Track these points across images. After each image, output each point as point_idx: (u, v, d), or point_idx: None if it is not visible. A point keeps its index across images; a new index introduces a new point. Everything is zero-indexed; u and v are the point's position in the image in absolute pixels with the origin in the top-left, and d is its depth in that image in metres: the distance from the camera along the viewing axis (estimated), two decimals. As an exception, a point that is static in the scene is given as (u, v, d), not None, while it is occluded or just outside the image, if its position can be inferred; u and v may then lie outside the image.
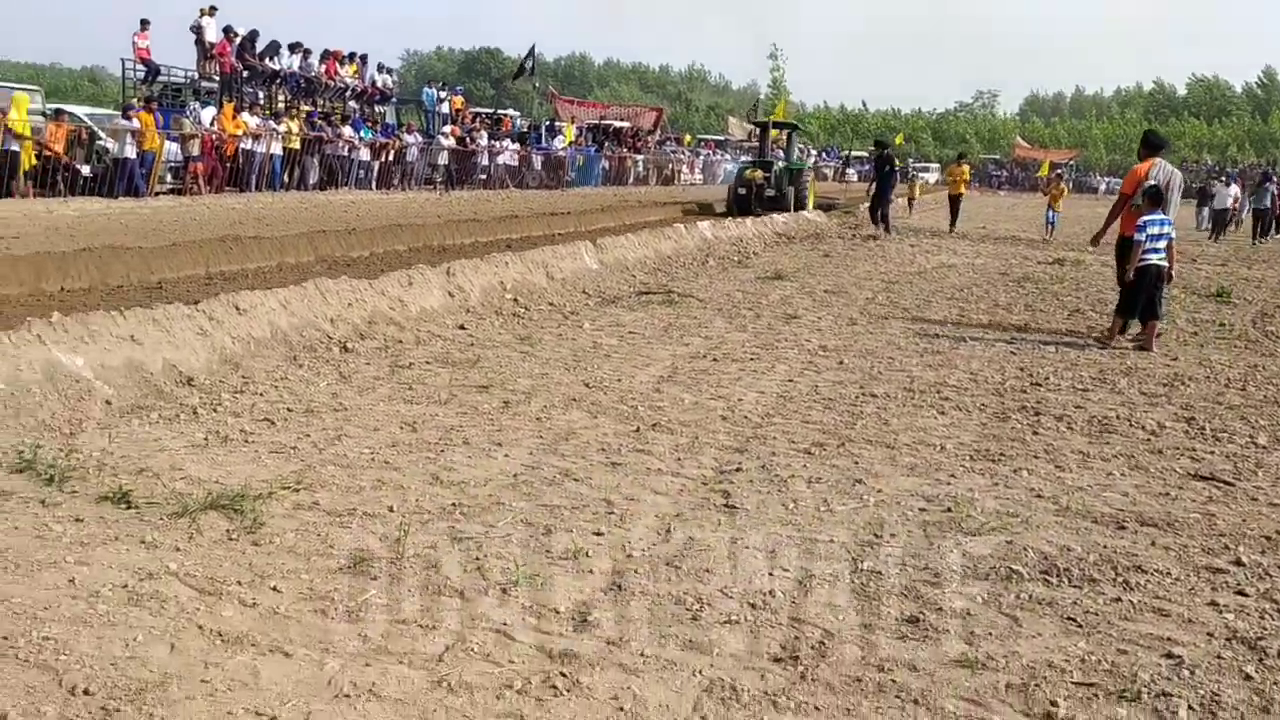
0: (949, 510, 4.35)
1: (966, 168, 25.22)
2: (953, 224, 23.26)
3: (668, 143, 47.36)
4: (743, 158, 35.75)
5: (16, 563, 3.37)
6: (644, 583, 3.51)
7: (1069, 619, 3.38)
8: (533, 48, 38.60)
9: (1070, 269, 15.27)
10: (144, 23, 21.95)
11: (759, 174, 24.50)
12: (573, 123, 36.59)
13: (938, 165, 70.99)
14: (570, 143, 33.93)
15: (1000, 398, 6.61)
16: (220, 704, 2.63)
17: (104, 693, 2.64)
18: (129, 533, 3.69)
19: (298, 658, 2.89)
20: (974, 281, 13.47)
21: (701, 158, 47.78)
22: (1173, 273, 8.87)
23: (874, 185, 21.97)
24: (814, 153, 59.53)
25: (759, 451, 5.18)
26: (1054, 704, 2.84)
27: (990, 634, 3.23)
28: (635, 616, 3.26)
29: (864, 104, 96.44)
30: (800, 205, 24.68)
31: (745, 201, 23.95)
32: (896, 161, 25.10)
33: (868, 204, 22.80)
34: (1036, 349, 8.50)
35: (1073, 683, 2.97)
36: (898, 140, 72.65)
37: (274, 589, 3.32)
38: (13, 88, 19.42)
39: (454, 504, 4.19)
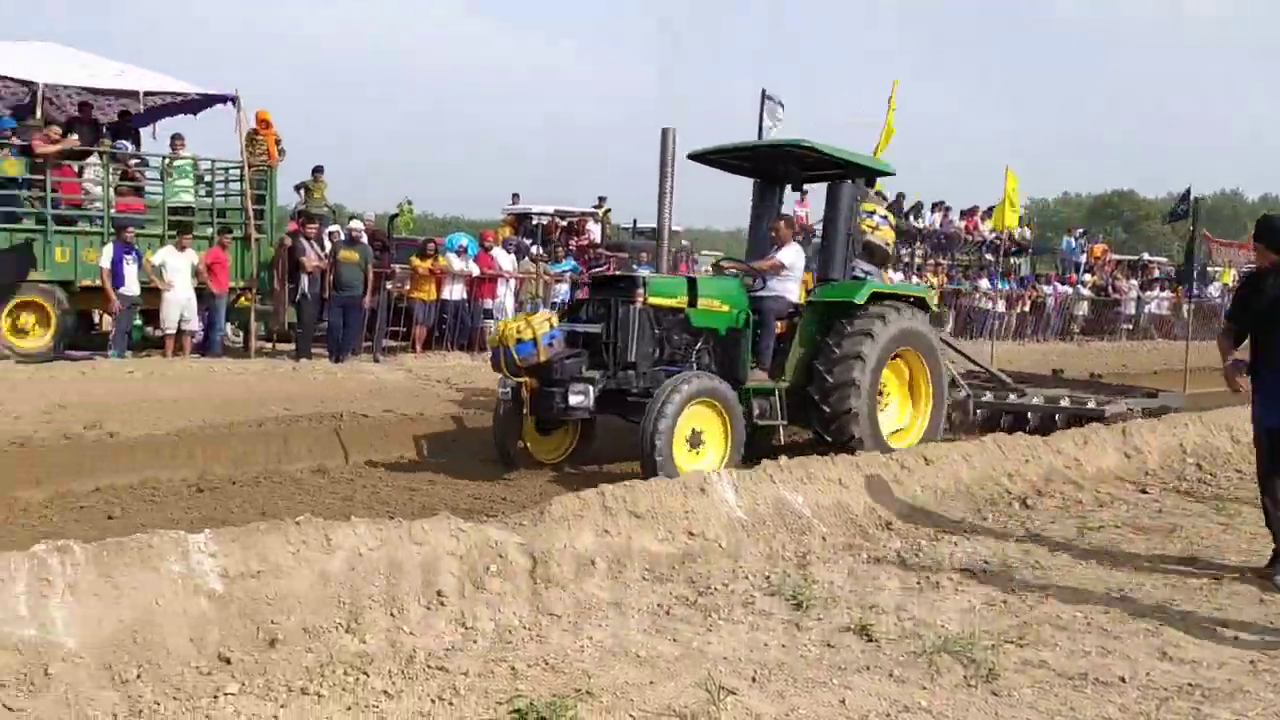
0: None
1: None
2: None
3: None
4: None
5: (793, 678, 3.89)
6: None
7: None
8: (1187, 191, 36.04)
9: None
10: (803, 192, 24.50)
11: (519, 328, 7.68)
12: (1229, 266, 33.28)
13: None
14: (1226, 286, 30.89)
15: None
16: None
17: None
18: (876, 664, 4.07)
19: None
20: None
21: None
22: None
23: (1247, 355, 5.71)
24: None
25: None
26: None
27: None
28: None
29: None
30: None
31: (508, 427, 8.34)
32: None
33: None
34: None
35: None
36: None
37: (1025, 743, 3.43)
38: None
39: (1190, 684, 3.99)
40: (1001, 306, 24.02)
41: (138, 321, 13.47)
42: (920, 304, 9.22)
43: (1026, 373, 12.79)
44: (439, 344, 14.92)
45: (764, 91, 9.08)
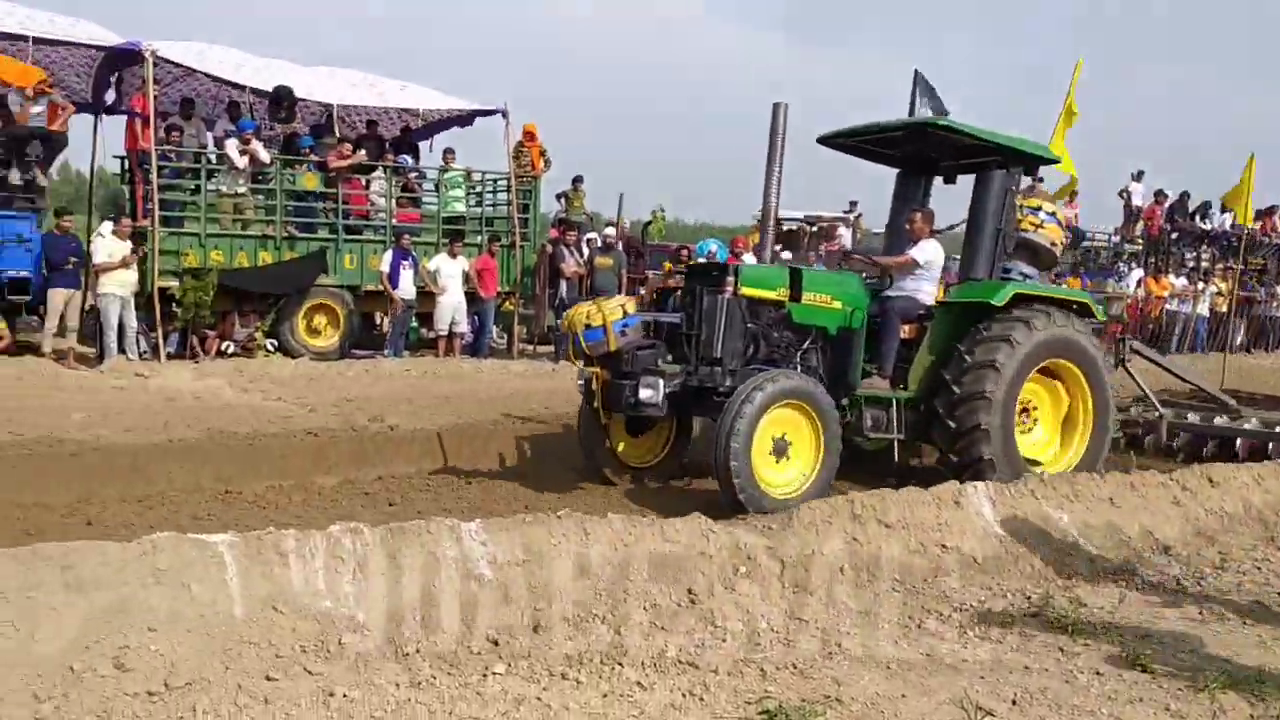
0: None
1: None
2: None
3: None
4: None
5: (1057, 704, 3.70)
6: None
7: None
8: None
9: None
10: (1073, 194, 23.11)
11: (589, 313, 7.23)
12: None
13: None
14: None
15: None
16: None
17: None
18: (1151, 697, 3.80)
19: None
20: None
21: None
22: None
23: None
24: None
25: None
26: None
27: None
28: None
29: None
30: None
31: (592, 426, 7.78)
32: None
33: None
34: None
35: None
36: None
37: (1327, 797, 3.11)
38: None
39: None
40: (1302, 314, 21.79)
41: (413, 324, 14.53)
42: (1083, 310, 7.84)
43: (1261, 394, 11.37)
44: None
45: (916, 72, 7.80)
